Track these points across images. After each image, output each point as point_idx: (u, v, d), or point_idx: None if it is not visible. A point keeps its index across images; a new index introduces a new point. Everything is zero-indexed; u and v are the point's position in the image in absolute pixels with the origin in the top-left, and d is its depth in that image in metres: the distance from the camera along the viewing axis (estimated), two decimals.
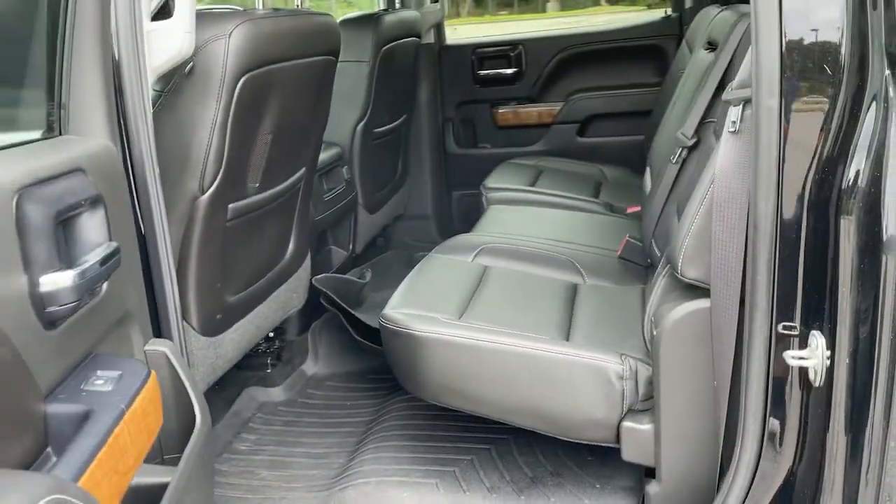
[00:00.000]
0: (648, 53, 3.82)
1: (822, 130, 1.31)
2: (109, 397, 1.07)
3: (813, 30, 1.30)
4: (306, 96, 2.20)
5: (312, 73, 2.17)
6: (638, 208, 3.01)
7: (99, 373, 1.12)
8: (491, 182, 3.27)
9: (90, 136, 1.33)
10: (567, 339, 1.94)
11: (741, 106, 1.48)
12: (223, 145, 1.85)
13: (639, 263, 2.46)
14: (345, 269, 3.19)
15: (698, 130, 2.20)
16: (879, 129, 1.20)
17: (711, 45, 2.53)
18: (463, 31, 4.55)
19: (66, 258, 1.10)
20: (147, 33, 1.59)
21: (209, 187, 1.87)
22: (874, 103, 1.22)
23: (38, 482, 0.78)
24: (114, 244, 1.20)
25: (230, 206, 1.99)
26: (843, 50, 1.28)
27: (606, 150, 3.81)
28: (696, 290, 1.63)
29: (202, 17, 1.75)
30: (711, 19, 2.77)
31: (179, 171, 1.82)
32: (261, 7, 2.19)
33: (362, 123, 3.12)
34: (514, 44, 3.93)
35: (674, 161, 2.25)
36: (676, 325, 1.64)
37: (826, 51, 1.29)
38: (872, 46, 1.23)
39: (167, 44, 1.63)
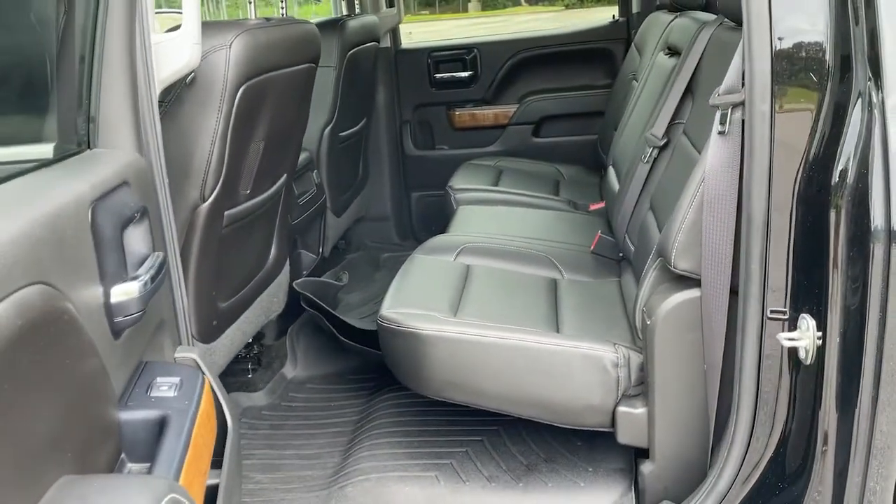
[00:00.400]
0: (597, 56, 3.98)
1: (810, 132, 1.44)
2: (178, 402, 1.11)
3: (800, 41, 1.43)
4: (292, 104, 2.24)
5: (299, 80, 2.21)
6: (601, 205, 3.15)
7: (159, 380, 1.15)
8: (457, 183, 3.35)
9: (119, 149, 1.35)
10: (558, 331, 2.04)
11: (729, 110, 1.60)
12: (223, 154, 1.88)
13: (611, 258, 2.58)
14: (315, 272, 3.23)
15: (668, 131, 2.33)
16: (865, 131, 1.34)
17: (671, 50, 2.68)
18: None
19: (127, 270, 1.12)
20: (155, 45, 1.61)
21: (210, 195, 1.89)
22: (859, 107, 1.35)
23: (158, 484, 0.82)
24: (161, 254, 1.23)
25: (226, 213, 2.02)
26: (827, 59, 1.42)
27: (561, 149, 3.95)
28: (687, 281, 1.76)
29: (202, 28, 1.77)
30: (667, 25, 2.93)
31: (181, 180, 1.84)
32: (253, 16, 2.22)
33: (329, 128, 3.16)
34: (468, 47, 4.02)
35: (644, 161, 2.38)
36: (669, 314, 1.76)
37: (812, 59, 1.43)
38: (856, 56, 1.36)
39: (175, 56, 1.65)
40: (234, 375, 2.71)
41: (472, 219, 2.96)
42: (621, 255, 2.55)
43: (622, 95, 3.45)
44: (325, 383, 2.81)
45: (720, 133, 1.62)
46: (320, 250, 3.24)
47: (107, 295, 1.06)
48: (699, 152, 2.01)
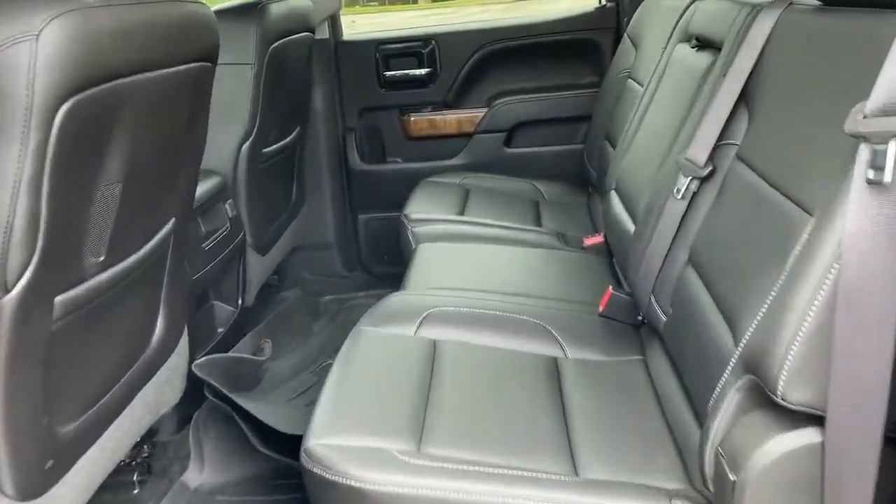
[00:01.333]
0: (582, 49, 3.31)
1: None
2: None
3: None
4: (172, 121, 1.51)
5: (180, 87, 1.48)
6: (598, 238, 2.49)
7: None
8: (414, 211, 2.66)
9: None
10: (574, 465, 1.37)
11: (890, 144, 0.94)
12: (37, 211, 1.15)
13: (627, 322, 1.92)
14: (233, 329, 2.50)
15: (713, 155, 1.67)
16: None
17: (702, 43, 2.02)
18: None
19: None
20: None
21: (17, 280, 1.16)
22: None
23: None
24: None
25: (57, 300, 1.28)
26: None
27: (539, 162, 3.29)
28: (798, 416, 1.09)
29: None
30: (684, 10, 2.27)
31: None
32: None
33: (248, 143, 2.44)
34: (425, 39, 3.32)
35: (679, 196, 1.71)
36: (771, 468, 1.09)
37: None
38: None
39: None
40: (112, 492, 1.97)
41: (435, 265, 2.26)
42: (641, 318, 1.89)
43: (615, 98, 2.80)
44: (242, 493, 2.08)
45: (870, 182, 0.96)
46: (239, 301, 2.52)
47: None
48: (775, 188, 1.35)
